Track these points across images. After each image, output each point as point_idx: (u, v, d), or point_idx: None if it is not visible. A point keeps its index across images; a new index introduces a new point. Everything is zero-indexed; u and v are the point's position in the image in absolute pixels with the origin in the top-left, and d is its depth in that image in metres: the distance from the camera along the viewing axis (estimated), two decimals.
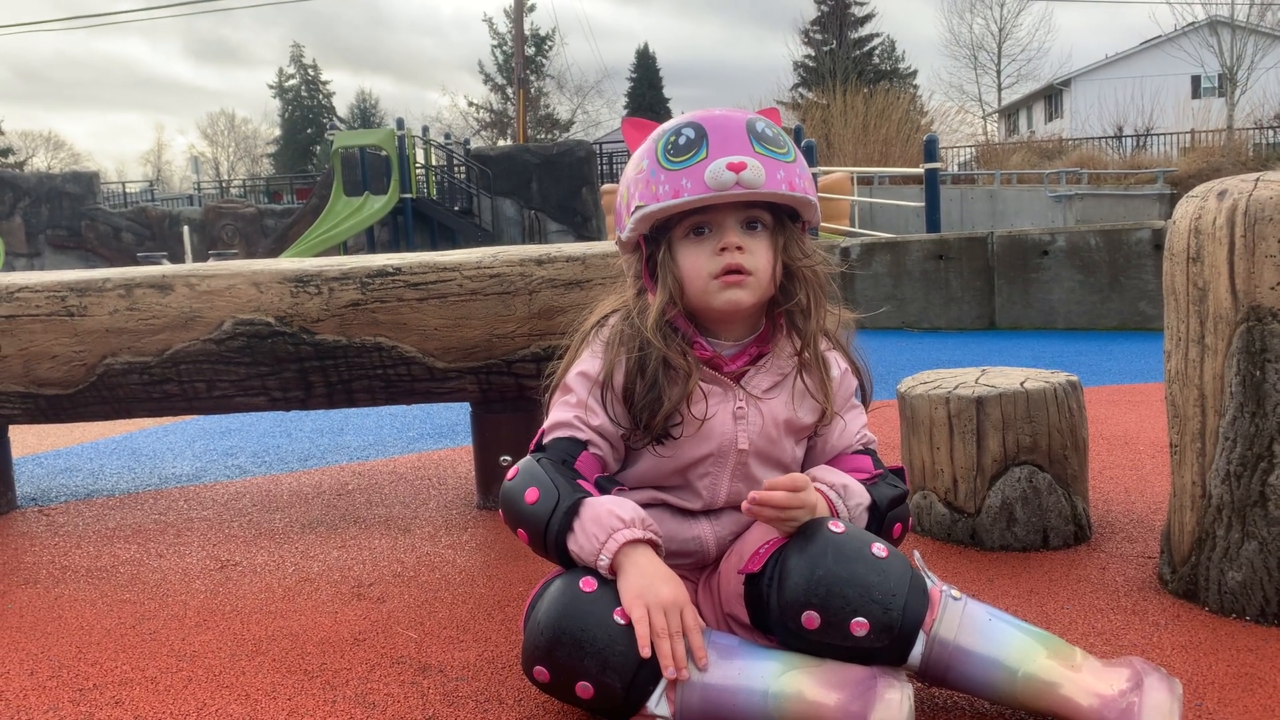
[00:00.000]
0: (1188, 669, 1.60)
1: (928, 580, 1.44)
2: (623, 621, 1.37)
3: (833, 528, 1.42)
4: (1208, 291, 1.79)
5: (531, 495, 1.49)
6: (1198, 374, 1.83)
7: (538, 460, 1.55)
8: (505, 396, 2.68)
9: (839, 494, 1.54)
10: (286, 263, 2.67)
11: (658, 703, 1.37)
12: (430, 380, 2.63)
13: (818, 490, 1.53)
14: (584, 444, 1.58)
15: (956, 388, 2.32)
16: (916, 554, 1.53)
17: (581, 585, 1.41)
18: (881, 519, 1.58)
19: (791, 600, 1.37)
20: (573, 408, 1.60)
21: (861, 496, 1.56)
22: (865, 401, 1.74)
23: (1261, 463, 1.74)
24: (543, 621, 1.40)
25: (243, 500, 3.02)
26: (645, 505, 1.59)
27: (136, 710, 1.62)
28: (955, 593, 1.44)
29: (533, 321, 2.54)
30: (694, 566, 1.67)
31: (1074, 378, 2.34)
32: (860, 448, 1.70)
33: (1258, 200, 1.72)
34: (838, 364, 1.67)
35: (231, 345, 2.58)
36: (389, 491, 3.06)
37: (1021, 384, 2.28)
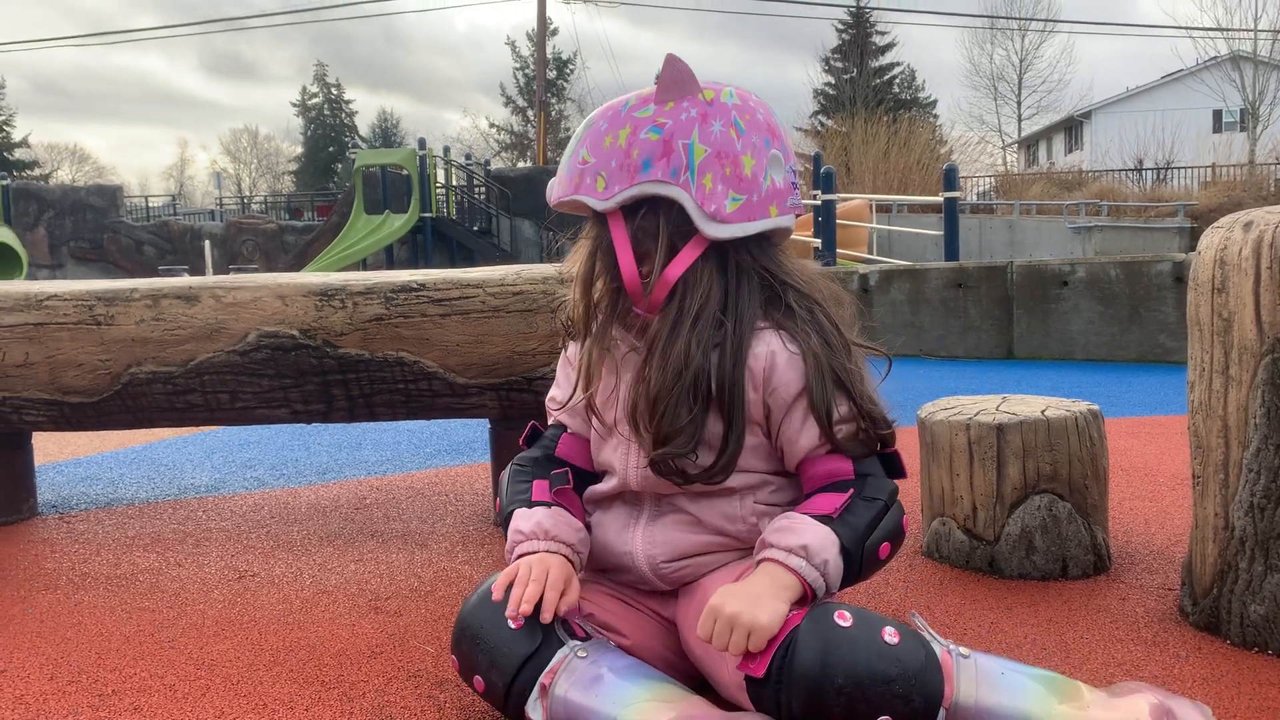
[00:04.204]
0: (1209, 702, 1.58)
1: (935, 645, 1.38)
2: (514, 626, 1.44)
3: (840, 621, 1.32)
4: (1232, 322, 1.79)
5: (499, 504, 1.66)
6: (1221, 405, 1.83)
7: (511, 463, 1.69)
8: (525, 413, 2.68)
9: (802, 557, 1.39)
10: (312, 276, 2.69)
11: (533, 706, 1.43)
12: (451, 396, 2.64)
13: (776, 562, 1.40)
14: (563, 427, 1.68)
15: (977, 414, 2.31)
16: (916, 617, 1.47)
17: (492, 589, 1.49)
18: (861, 554, 1.44)
19: (812, 714, 1.31)
20: (552, 389, 1.72)
21: (827, 549, 1.40)
22: (847, 388, 1.49)
23: None
24: (458, 616, 1.52)
25: (261, 512, 3.03)
26: (603, 505, 1.64)
27: (155, 717, 1.63)
28: (963, 650, 1.38)
29: (554, 339, 2.55)
30: (636, 587, 1.63)
31: (1095, 407, 2.33)
32: (829, 449, 1.50)
33: None
34: (774, 345, 1.49)
35: (255, 357, 2.60)
36: (406, 506, 3.07)
37: (1042, 412, 2.27)
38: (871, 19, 45.82)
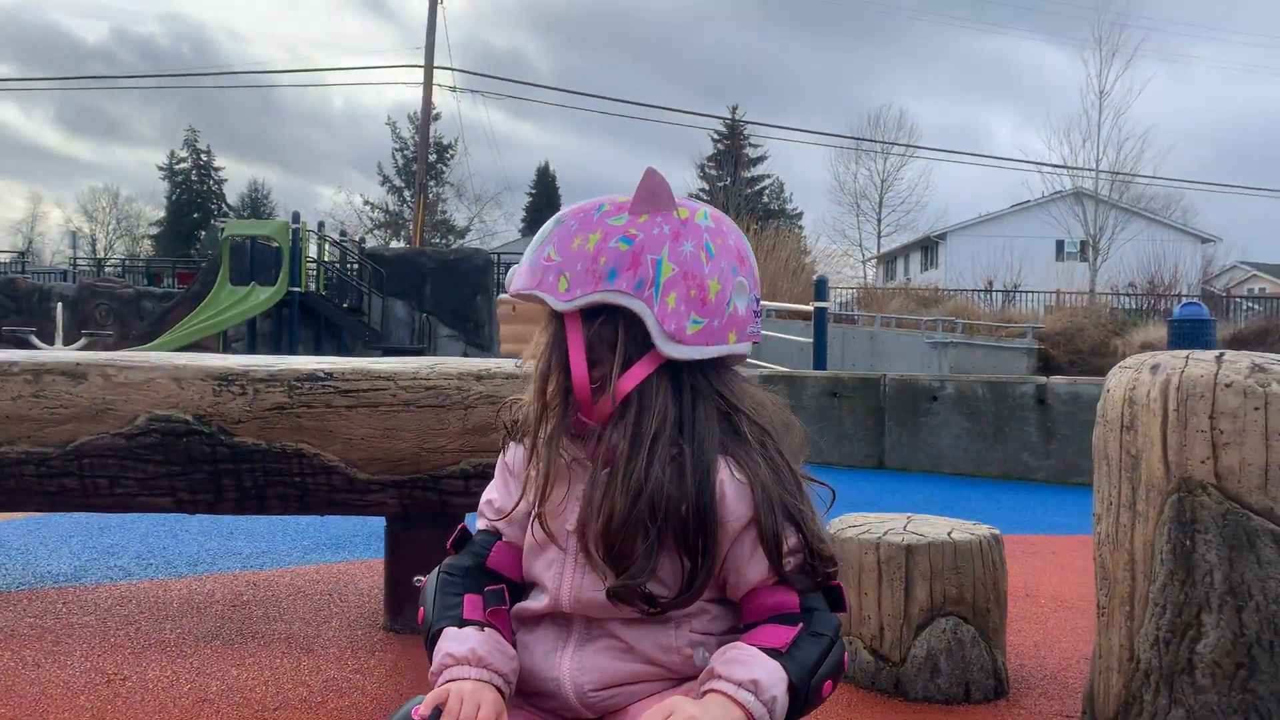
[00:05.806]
0: None
1: None
2: None
3: None
4: (1140, 459, 1.87)
5: (421, 614, 1.51)
6: (1128, 539, 1.90)
7: (439, 570, 1.55)
8: (427, 512, 2.59)
9: (751, 692, 1.37)
10: (211, 359, 2.57)
11: None
12: (350, 491, 2.53)
13: (724, 695, 1.36)
14: (497, 534, 1.56)
15: (886, 533, 2.34)
16: None
17: (413, 713, 1.38)
18: (806, 690, 1.41)
19: None
20: (486, 493, 1.59)
21: (776, 685, 1.37)
22: (797, 521, 1.47)
23: (1190, 631, 1.80)
24: None
25: (128, 606, 2.82)
26: (529, 624, 1.55)
27: None
28: None
29: (466, 437, 2.49)
30: (560, 714, 1.57)
31: (995, 530, 2.39)
32: (776, 579, 1.47)
33: (1190, 377, 1.82)
34: (722, 474, 1.46)
35: (143, 441, 2.44)
36: (288, 606, 2.90)
37: (949, 534, 2.32)
38: (745, 131, 47.67)
